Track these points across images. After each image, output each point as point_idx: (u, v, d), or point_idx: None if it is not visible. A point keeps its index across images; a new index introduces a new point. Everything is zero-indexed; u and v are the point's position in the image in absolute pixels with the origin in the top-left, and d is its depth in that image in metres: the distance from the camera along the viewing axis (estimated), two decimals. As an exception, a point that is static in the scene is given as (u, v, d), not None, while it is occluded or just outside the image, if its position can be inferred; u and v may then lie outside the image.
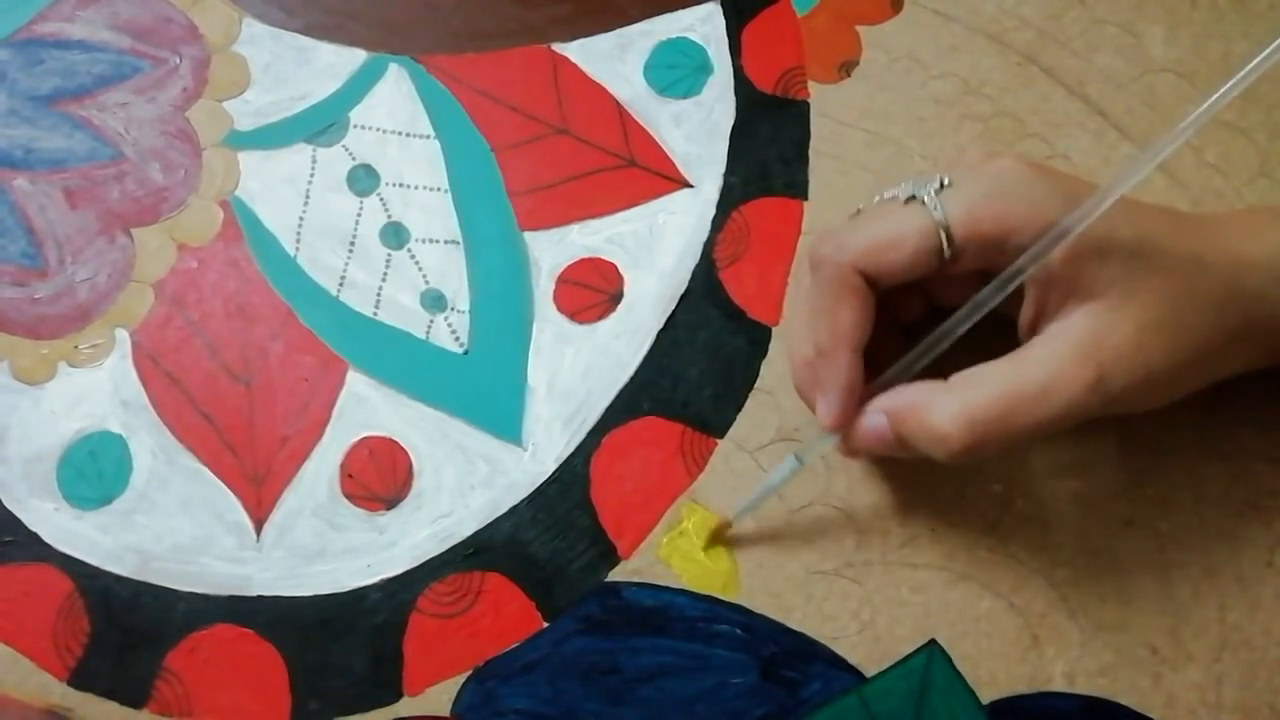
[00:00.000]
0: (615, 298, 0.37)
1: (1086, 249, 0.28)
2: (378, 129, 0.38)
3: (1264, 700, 0.32)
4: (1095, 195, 0.27)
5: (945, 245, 0.28)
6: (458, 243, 0.37)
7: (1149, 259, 0.28)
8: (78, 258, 0.37)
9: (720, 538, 0.34)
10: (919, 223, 0.29)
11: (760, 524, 0.34)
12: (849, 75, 0.39)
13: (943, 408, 0.28)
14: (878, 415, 0.30)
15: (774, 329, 0.36)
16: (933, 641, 0.33)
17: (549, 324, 0.36)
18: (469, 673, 0.33)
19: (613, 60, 0.39)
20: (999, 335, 0.30)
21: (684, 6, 0.40)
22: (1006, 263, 0.28)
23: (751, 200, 0.37)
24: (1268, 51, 0.25)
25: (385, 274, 0.37)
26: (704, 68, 0.39)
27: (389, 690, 0.33)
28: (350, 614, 0.33)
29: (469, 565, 0.34)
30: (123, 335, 0.36)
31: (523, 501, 0.34)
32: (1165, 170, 0.37)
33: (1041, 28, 0.39)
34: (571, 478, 0.35)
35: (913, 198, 0.29)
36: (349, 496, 0.34)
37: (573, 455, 0.35)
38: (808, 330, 0.31)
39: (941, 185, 0.29)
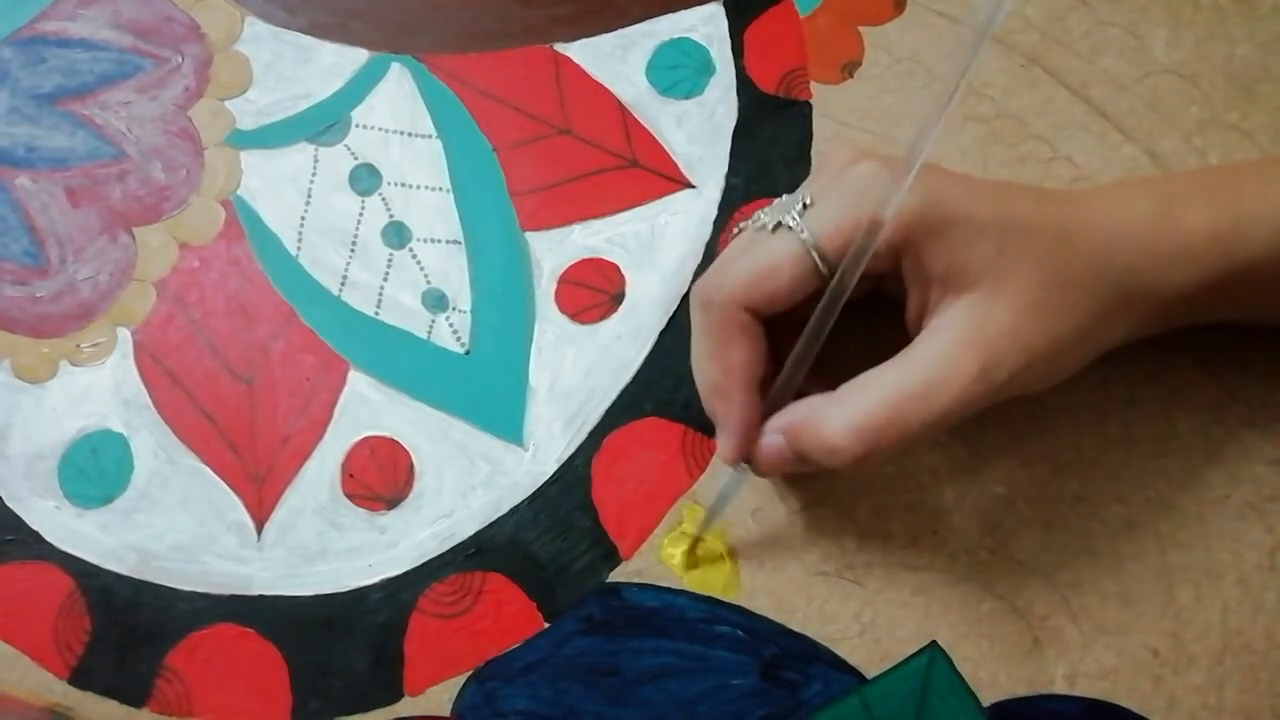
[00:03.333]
0: (617, 298, 0.37)
1: (954, 240, 0.28)
2: (380, 128, 0.38)
3: (1266, 704, 0.32)
4: (898, 180, 0.27)
5: (820, 264, 0.29)
6: (459, 243, 0.37)
7: (1016, 242, 0.28)
8: (79, 256, 0.37)
9: (695, 554, 0.33)
10: (790, 248, 0.29)
11: (761, 525, 0.34)
12: (851, 76, 0.39)
13: (832, 420, 0.28)
14: (775, 436, 0.30)
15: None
16: (934, 643, 0.33)
17: (550, 324, 0.36)
18: (470, 673, 0.33)
19: (615, 60, 0.39)
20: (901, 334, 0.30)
21: (686, 6, 0.40)
22: (907, 261, 0.29)
23: (754, 201, 0.37)
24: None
25: (387, 273, 0.37)
26: (706, 68, 0.39)
27: (389, 690, 0.33)
28: (351, 614, 0.33)
29: (470, 565, 0.34)
30: (124, 334, 0.36)
31: (524, 502, 0.34)
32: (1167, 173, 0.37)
33: (1045, 29, 0.39)
34: (573, 478, 0.35)
35: (779, 224, 0.29)
36: (350, 496, 0.34)
37: (574, 456, 0.35)
38: (703, 370, 0.31)
39: (805, 205, 0.29)
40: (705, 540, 0.33)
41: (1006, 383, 0.28)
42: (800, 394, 0.30)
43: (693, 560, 0.33)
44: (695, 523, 0.34)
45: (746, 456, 0.31)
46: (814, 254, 0.29)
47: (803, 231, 0.29)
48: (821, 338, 0.29)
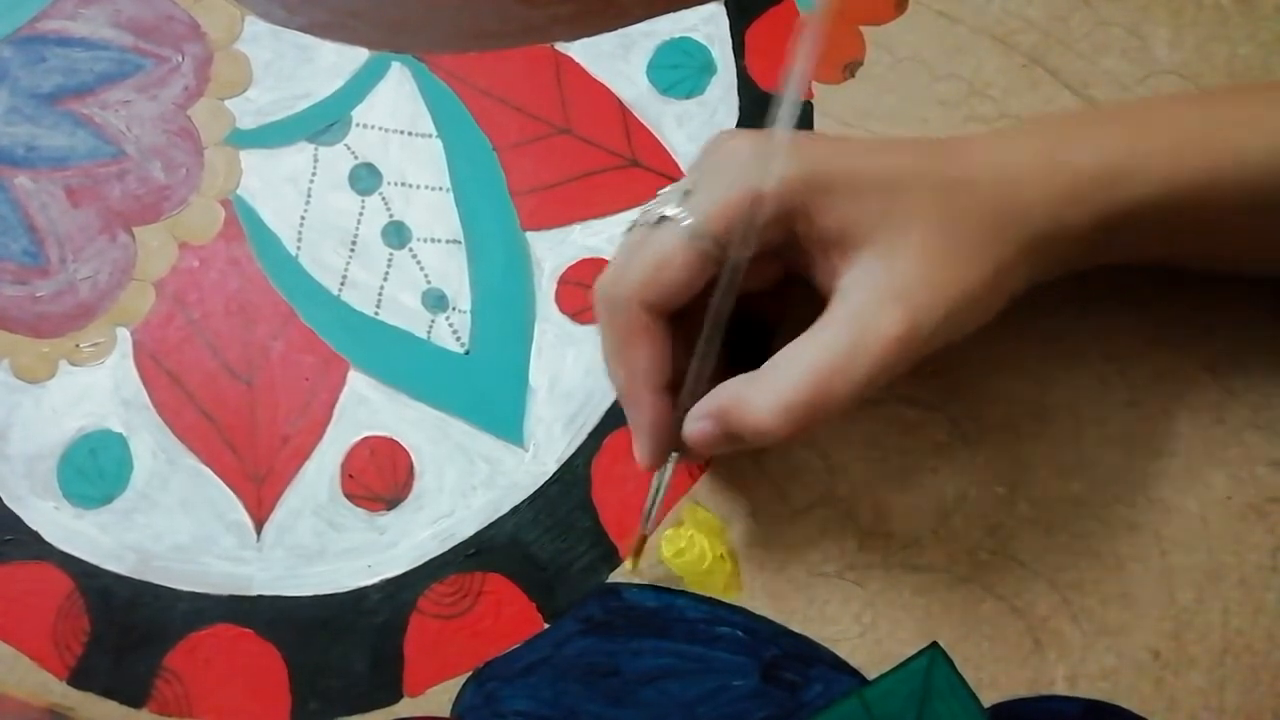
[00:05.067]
0: (617, 298, 0.36)
1: (840, 199, 0.28)
2: (380, 128, 0.38)
3: (1267, 705, 0.32)
4: (771, 149, 0.27)
5: (711, 247, 0.28)
6: (459, 242, 0.37)
7: (903, 194, 0.28)
8: (79, 256, 0.37)
9: (640, 550, 0.33)
10: (678, 237, 0.29)
11: (762, 526, 0.34)
12: (853, 76, 0.39)
13: (757, 402, 0.28)
14: (704, 421, 0.30)
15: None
16: (934, 644, 0.33)
17: (551, 324, 0.36)
18: (469, 674, 0.33)
19: (616, 60, 0.39)
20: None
21: (687, 6, 0.40)
22: (800, 227, 0.29)
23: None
24: None
25: (387, 273, 0.37)
26: (707, 67, 0.39)
27: (389, 691, 0.33)
28: (350, 614, 0.33)
29: (470, 566, 0.34)
30: (124, 334, 0.36)
31: (524, 502, 0.34)
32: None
33: (1047, 29, 0.39)
34: (573, 478, 0.34)
35: (663, 216, 0.29)
36: (350, 496, 0.34)
37: (574, 456, 0.35)
38: (611, 374, 0.31)
39: (685, 193, 0.29)
40: (689, 516, 0.33)
41: (931, 335, 0.28)
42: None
43: (637, 555, 0.33)
44: (696, 522, 0.34)
45: (661, 459, 0.31)
46: (704, 240, 0.28)
47: (687, 218, 0.28)
48: (725, 319, 0.29)
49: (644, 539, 0.33)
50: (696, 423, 0.30)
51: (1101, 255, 0.31)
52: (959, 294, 0.28)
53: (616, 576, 0.33)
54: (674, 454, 0.31)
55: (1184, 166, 0.28)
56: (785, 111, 0.26)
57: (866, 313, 0.27)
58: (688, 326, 0.30)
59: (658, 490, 0.32)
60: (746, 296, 0.32)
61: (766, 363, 0.29)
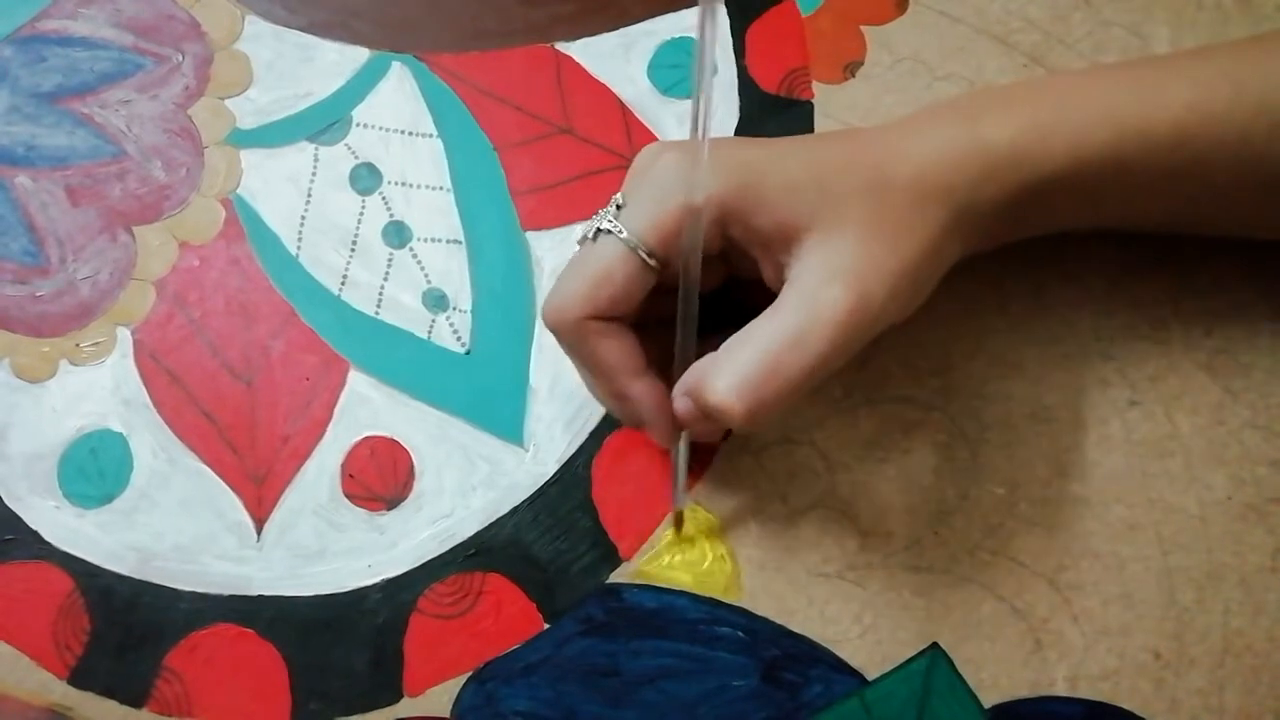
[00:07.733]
0: (618, 298, 0.36)
1: (773, 200, 0.29)
2: (380, 127, 0.38)
3: (1267, 706, 0.32)
4: (695, 161, 0.28)
5: (647, 259, 0.29)
6: (460, 242, 0.37)
7: (834, 184, 0.29)
8: (79, 255, 0.37)
9: (680, 523, 0.33)
10: (615, 251, 0.29)
11: (762, 526, 0.34)
12: (853, 76, 0.39)
13: (714, 382, 0.28)
14: (682, 398, 0.30)
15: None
16: (935, 645, 0.33)
17: (551, 324, 0.36)
18: (469, 674, 0.33)
19: (616, 59, 0.39)
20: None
21: (688, 6, 0.40)
22: (735, 232, 0.30)
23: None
24: None
25: (387, 273, 0.37)
26: (708, 67, 0.39)
27: (389, 691, 0.33)
28: (351, 614, 0.33)
29: (470, 566, 0.34)
30: (124, 333, 0.36)
31: (524, 502, 0.34)
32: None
33: (1047, 29, 0.39)
34: (573, 479, 0.34)
35: (599, 230, 0.30)
36: (350, 496, 0.34)
37: (574, 456, 0.35)
38: (594, 386, 0.33)
39: (618, 207, 0.30)
40: (689, 517, 0.33)
41: (881, 310, 0.28)
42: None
43: (680, 540, 0.33)
44: (696, 522, 0.34)
45: (676, 435, 0.31)
46: (639, 252, 0.29)
47: (621, 232, 0.29)
48: (693, 327, 0.30)
49: (680, 513, 0.33)
50: (679, 400, 0.30)
51: (1031, 225, 0.32)
52: (899, 268, 0.29)
53: (616, 577, 0.33)
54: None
55: (1089, 142, 0.29)
56: (699, 124, 0.27)
57: (815, 294, 0.28)
58: (659, 305, 0.31)
59: (679, 464, 0.32)
60: (745, 285, 0.32)
61: (723, 344, 0.29)
